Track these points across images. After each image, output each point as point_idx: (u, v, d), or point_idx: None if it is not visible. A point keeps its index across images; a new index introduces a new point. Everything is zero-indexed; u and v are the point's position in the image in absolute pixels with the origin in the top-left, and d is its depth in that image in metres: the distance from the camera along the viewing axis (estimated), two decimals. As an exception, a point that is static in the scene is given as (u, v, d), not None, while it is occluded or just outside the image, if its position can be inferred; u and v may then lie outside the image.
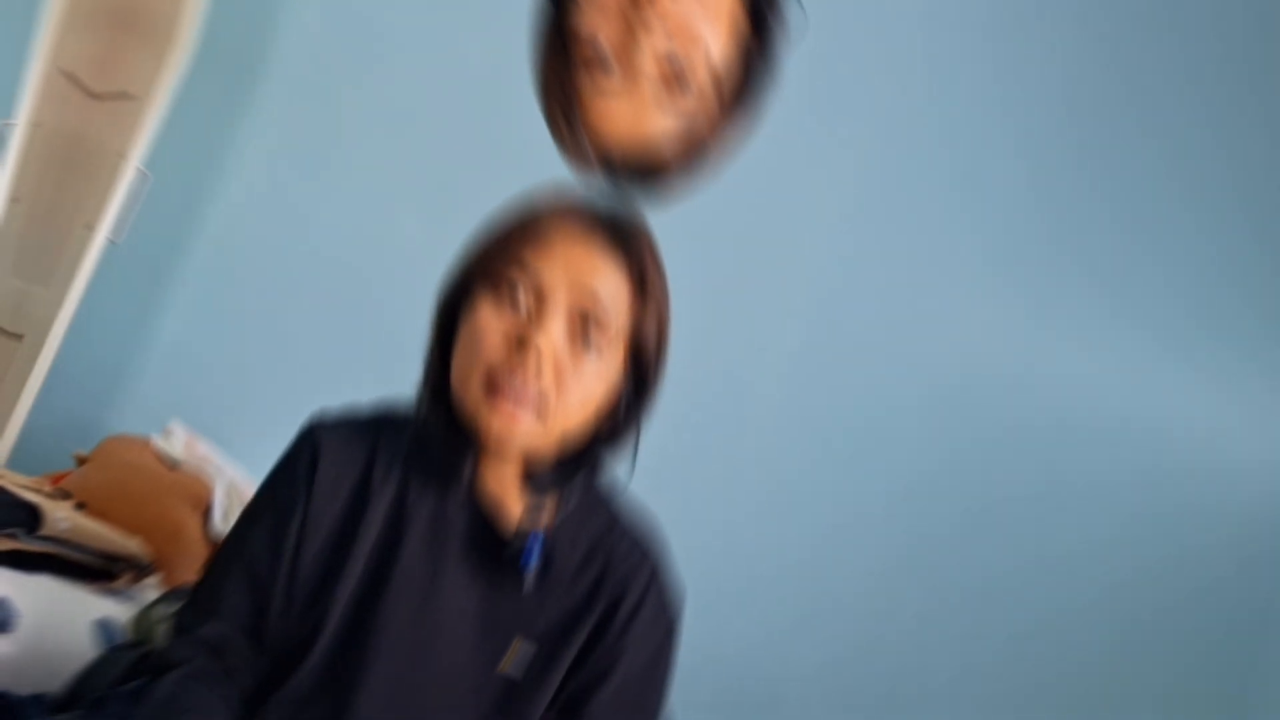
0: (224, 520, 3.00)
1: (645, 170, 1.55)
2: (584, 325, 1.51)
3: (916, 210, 3.43)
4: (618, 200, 1.62)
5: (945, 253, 3.39)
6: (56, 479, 2.99)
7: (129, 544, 2.61)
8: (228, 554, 1.63)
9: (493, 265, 1.54)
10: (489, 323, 1.51)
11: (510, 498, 1.61)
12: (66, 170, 3.47)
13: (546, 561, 1.57)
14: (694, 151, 1.54)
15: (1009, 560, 3.18)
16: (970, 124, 3.43)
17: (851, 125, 3.41)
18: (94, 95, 3.53)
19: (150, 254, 3.64)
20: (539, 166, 3.49)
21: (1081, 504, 3.19)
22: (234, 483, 3.13)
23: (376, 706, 1.52)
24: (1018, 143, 3.40)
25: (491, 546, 1.58)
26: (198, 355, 3.62)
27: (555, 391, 1.49)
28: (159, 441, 3.18)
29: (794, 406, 3.35)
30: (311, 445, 1.64)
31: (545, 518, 1.61)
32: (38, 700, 2.19)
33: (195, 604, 1.63)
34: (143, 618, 2.47)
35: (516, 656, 1.56)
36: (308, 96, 3.76)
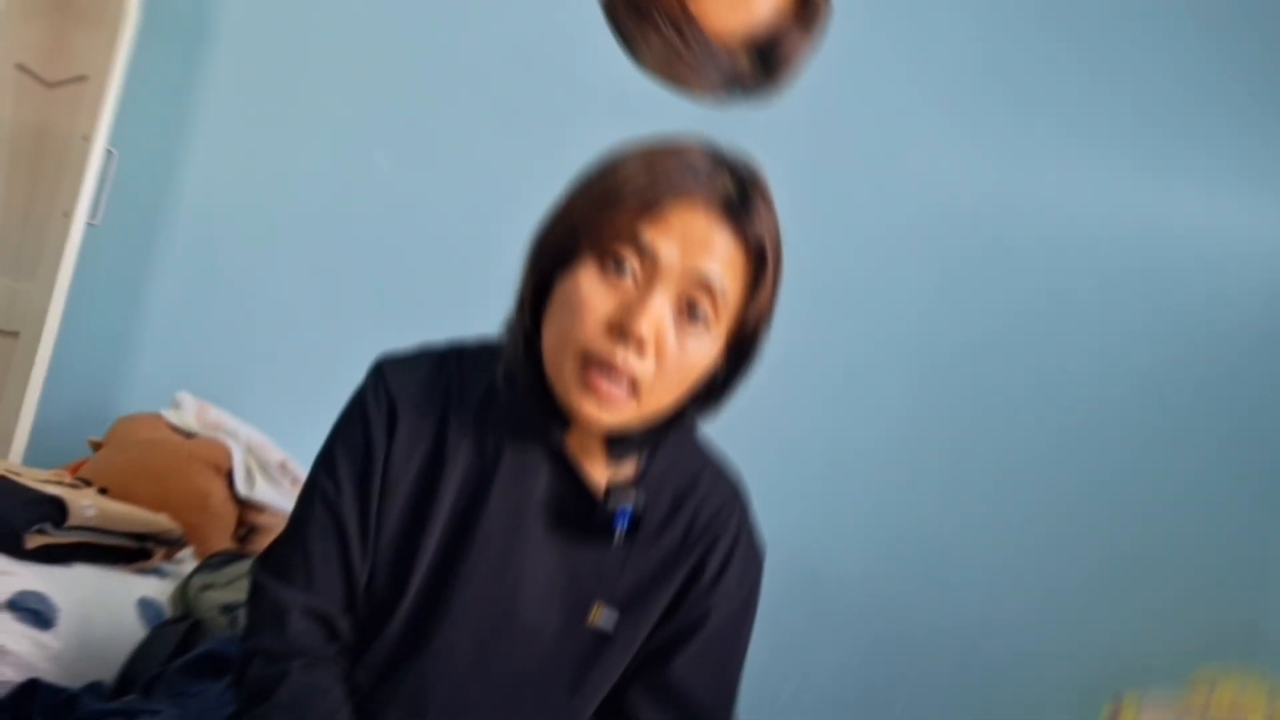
0: (246, 482, 2.96)
1: (767, 51, 1.41)
2: (692, 304, 1.38)
3: (879, 52, 3.34)
4: (740, 156, 1.47)
5: (911, 91, 3.31)
6: (75, 468, 2.94)
7: (157, 520, 2.55)
8: (313, 515, 1.50)
9: (602, 236, 1.38)
10: (591, 300, 1.37)
11: (592, 457, 1.50)
12: (35, 162, 3.40)
13: (633, 523, 1.47)
14: (806, 8, 1.41)
15: (1029, 374, 3.13)
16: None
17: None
18: (49, 84, 3.45)
19: (131, 232, 3.55)
20: (506, 94, 3.45)
21: (1091, 309, 3.13)
22: (251, 443, 3.08)
23: (461, 662, 1.47)
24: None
25: (575, 505, 1.49)
26: (193, 324, 3.55)
27: (656, 372, 1.38)
28: (170, 414, 3.12)
29: (797, 290, 3.27)
30: (388, 395, 1.51)
31: (630, 472, 1.52)
32: (94, 689, 2.15)
33: (287, 574, 1.49)
34: (184, 591, 2.43)
35: (601, 617, 1.49)
36: (262, 50, 3.66)
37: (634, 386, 1.37)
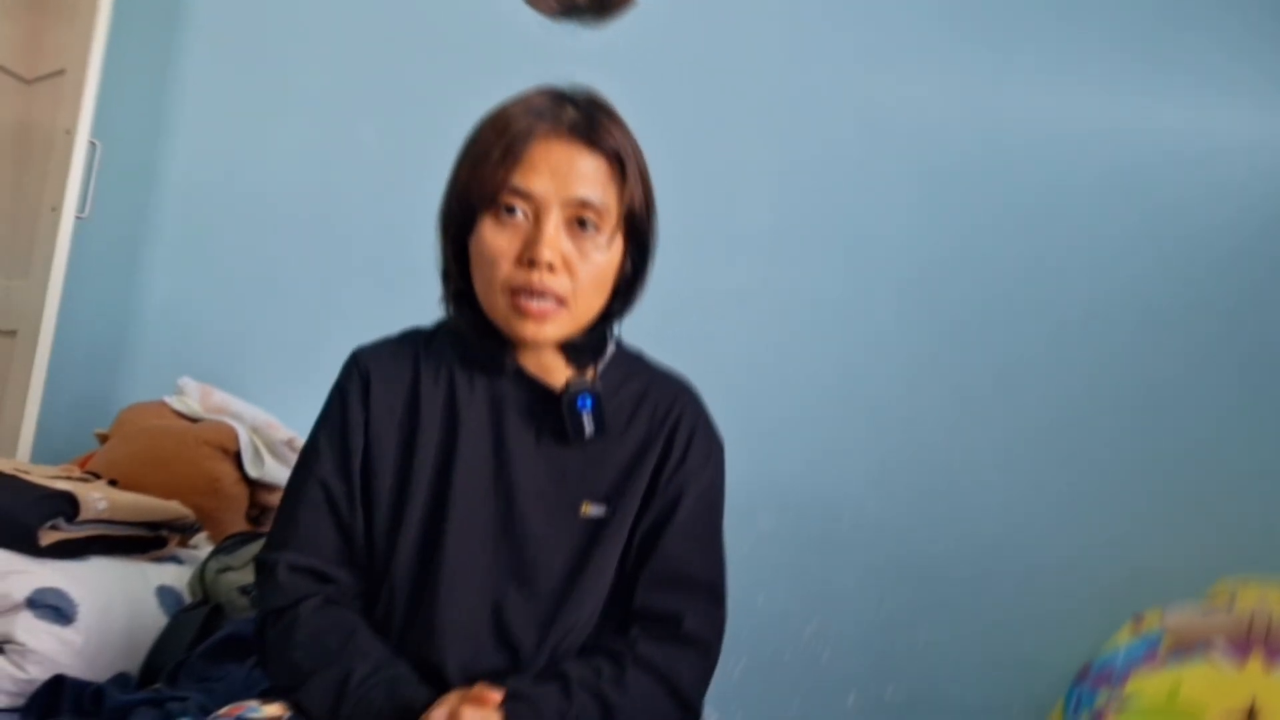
0: (254, 462, 2.93)
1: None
2: (581, 220, 1.58)
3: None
4: (578, 88, 1.67)
5: (895, 22, 3.26)
6: (83, 462, 2.92)
7: (169, 507, 2.53)
8: (298, 487, 1.64)
9: (487, 193, 1.58)
10: (497, 245, 1.57)
11: (552, 372, 1.67)
12: (20, 159, 3.36)
13: (599, 421, 1.63)
14: None
15: (1025, 286, 3.07)
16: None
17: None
18: (28, 80, 3.41)
19: (120, 222, 3.51)
20: (485, 59, 3.40)
21: (1080, 212, 3.07)
22: (257, 423, 3.04)
23: (473, 581, 1.57)
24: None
25: (548, 408, 1.64)
26: (190, 308, 3.50)
27: (571, 281, 1.57)
28: (173, 401, 3.08)
29: (785, 225, 3.25)
30: (361, 371, 1.67)
31: (590, 378, 1.66)
32: (121, 681, 2.14)
33: (273, 542, 1.63)
34: (201, 575, 2.41)
35: (590, 511, 1.63)
36: (237, 30, 3.60)
37: (560, 300, 1.57)
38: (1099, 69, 3.13)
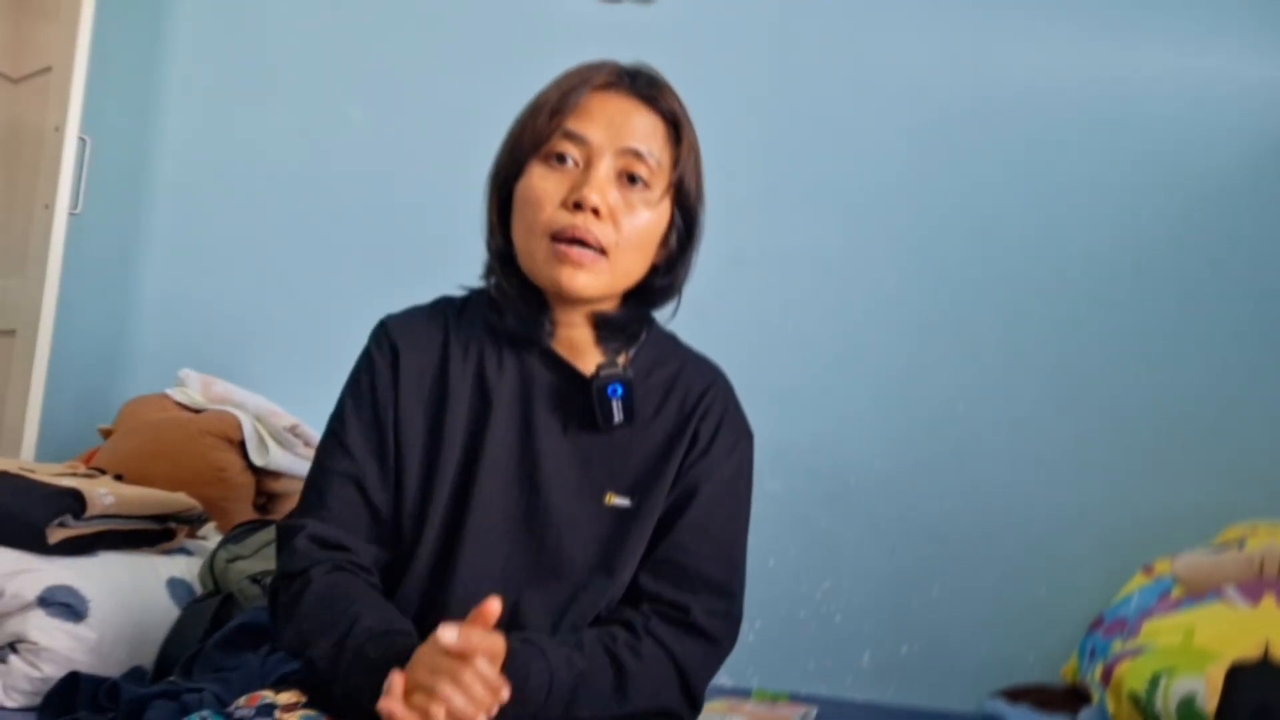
0: (259, 450, 2.91)
1: None
2: (631, 175, 1.56)
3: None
4: (645, 65, 1.65)
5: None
6: (88, 458, 2.90)
7: (176, 499, 2.51)
8: (326, 458, 1.62)
9: (541, 140, 1.57)
10: (545, 188, 1.55)
11: (585, 353, 1.63)
12: (9, 158, 3.34)
13: (628, 410, 1.59)
14: None
15: (1021, 242, 3.10)
16: None
17: None
18: (15, 79, 3.38)
19: (114, 216, 3.48)
20: (473, 33, 3.37)
21: (1073, 166, 3.09)
22: (260, 411, 3.02)
23: (496, 563, 1.56)
24: None
25: (577, 393, 1.60)
26: (187, 299, 3.48)
27: (614, 231, 1.54)
28: (175, 393, 3.07)
29: (778, 185, 3.23)
30: (389, 340, 1.64)
31: (622, 364, 1.62)
32: (136, 675, 2.13)
33: (300, 510, 1.60)
34: (211, 566, 2.39)
35: (615, 501, 1.60)
36: (222, 18, 3.57)
37: (600, 246, 1.54)
38: (1086, 15, 3.10)
